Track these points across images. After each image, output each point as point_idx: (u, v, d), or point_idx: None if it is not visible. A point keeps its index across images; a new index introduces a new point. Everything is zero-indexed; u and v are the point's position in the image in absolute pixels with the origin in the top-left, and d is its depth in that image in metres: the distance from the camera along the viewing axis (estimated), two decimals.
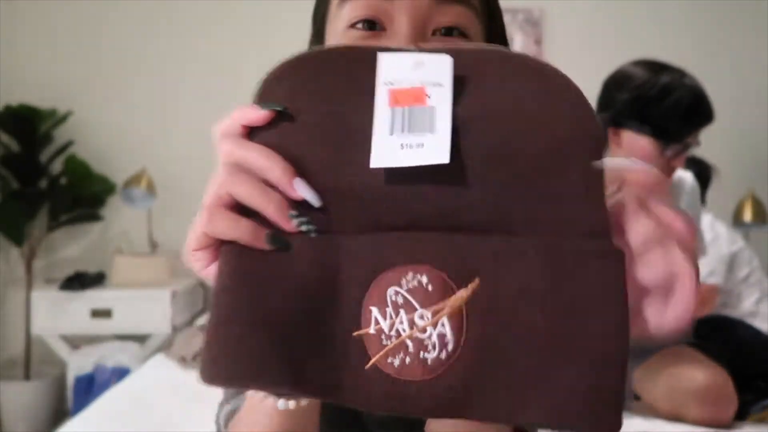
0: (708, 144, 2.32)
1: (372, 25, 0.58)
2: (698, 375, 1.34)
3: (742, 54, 3.21)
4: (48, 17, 2.93)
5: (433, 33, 0.57)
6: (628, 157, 1.52)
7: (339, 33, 0.59)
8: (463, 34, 0.58)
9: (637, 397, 1.45)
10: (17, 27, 2.91)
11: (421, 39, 0.56)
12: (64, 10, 2.93)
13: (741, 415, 1.40)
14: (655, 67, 1.51)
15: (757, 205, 2.90)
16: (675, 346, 1.46)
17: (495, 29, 0.63)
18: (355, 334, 0.39)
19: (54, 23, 2.93)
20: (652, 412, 1.41)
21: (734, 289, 2.12)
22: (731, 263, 2.10)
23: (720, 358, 1.42)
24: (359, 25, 0.58)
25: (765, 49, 3.20)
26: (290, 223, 0.40)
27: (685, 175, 1.59)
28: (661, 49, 3.04)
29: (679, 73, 1.50)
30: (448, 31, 0.57)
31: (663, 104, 1.45)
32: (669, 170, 1.48)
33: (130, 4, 2.96)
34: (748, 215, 2.87)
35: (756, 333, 1.70)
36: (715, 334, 1.60)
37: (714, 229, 2.13)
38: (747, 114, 3.20)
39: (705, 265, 2.00)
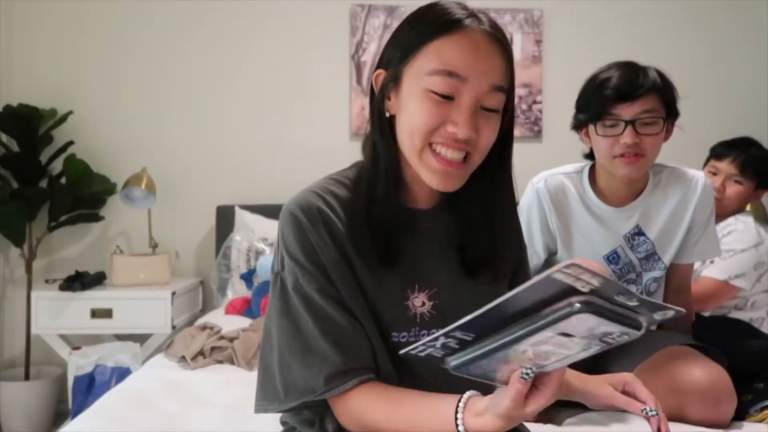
0: (708, 144, 2.33)
1: (447, 97, 0.84)
2: (697, 373, 1.34)
3: (742, 54, 3.21)
4: (48, 18, 2.93)
5: (481, 107, 0.85)
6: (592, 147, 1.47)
7: (419, 91, 0.85)
8: (497, 111, 0.87)
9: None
10: (17, 27, 2.91)
11: (476, 110, 0.85)
12: (64, 11, 2.94)
13: (740, 416, 1.40)
14: (613, 64, 1.53)
15: (757, 205, 2.90)
16: (675, 346, 1.46)
17: (511, 97, 0.91)
18: None
19: (54, 24, 2.93)
20: None
21: (753, 296, 2.11)
22: (764, 273, 2.08)
23: (719, 359, 1.42)
24: (437, 95, 0.84)
25: (764, 49, 3.20)
26: None
27: (697, 175, 1.59)
28: (661, 49, 3.05)
29: (625, 64, 1.52)
30: (490, 110, 0.86)
31: (587, 89, 1.53)
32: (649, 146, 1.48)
33: (130, 5, 2.96)
34: None
35: (756, 333, 1.70)
36: (715, 335, 1.60)
37: (761, 235, 2.10)
38: (747, 114, 3.20)
39: (736, 265, 1.99)
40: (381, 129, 0.91)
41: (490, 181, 0.94)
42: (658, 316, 0.61)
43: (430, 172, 0.87)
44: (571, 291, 0.56)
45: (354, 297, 0.87)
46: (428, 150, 0.86)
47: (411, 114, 0.86)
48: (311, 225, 0.87)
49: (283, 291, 0.89)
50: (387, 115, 0.90)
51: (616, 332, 0.59)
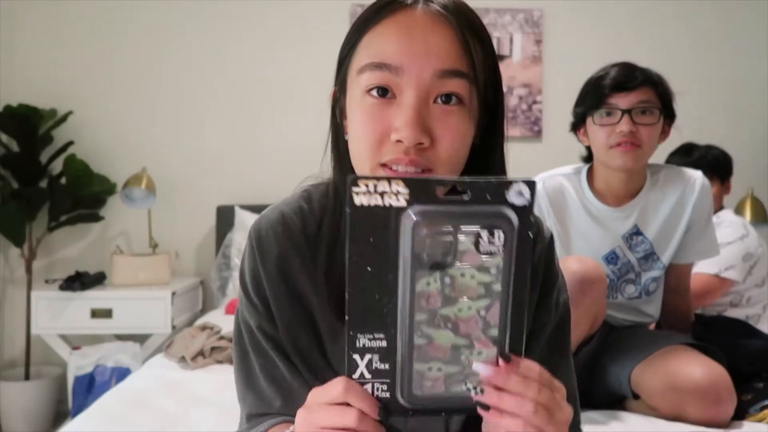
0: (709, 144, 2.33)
1: (384, 91, 0.69)
2: (697, 372, 1.34)
3: (742, 54, 3.21)
4: (48, 18, 2.93)
5: (435, 100, 0.68)
6: (590, 146, 1.53)
7: (357, 97, 0.70)
8: (460, 100, 0.68)
9: (636, 396, 1.46)
10: (17, 27, 2.91)
11: (425, 106, 0.67)
12: (64, 11, 2.94)
13: (740, 415, 1.40)
14: (610, 65, 1.57)
15: (757, 205, 2.91)
16: (674, 346, 1.46)
17: (494, 96, 0.72)
18: None
19: (54, 24, 2.93)
20: (651, 411, 1.41)
21: (747, 290, 2.13)
22: (753, 265, 2.12)
23: (719, 358, 1.43)
24: (374, 92, 0.69)
25: (764, 49, 3.20)
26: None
27: (695, 175, 1.60)
28: (661, 50, 3.05)
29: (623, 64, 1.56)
30: (447, 98, 0.68)
31: (585, 88, 1.59)
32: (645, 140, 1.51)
33: (130, 5, 2.96)
34: (748, 215, 2.87)
35: (755, 333, 1.70)
36: (715, 334, 1.60)
37: (746, 227, 2.16)
38: (747, 114, 3.21)
39: (725, 258, 2.01)
40: (340, 159, 0.76)
41: None
42: (512, 195, 0.51)
43: None
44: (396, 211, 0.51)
45: (298, 339, 0.78)
46: (381, 171, 0.69)
47: (354, 129, 0.71)
48: (264, 256, 0.78)
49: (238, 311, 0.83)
50: (346, 138, 0.75)
51: (485, 236, 0.51)
